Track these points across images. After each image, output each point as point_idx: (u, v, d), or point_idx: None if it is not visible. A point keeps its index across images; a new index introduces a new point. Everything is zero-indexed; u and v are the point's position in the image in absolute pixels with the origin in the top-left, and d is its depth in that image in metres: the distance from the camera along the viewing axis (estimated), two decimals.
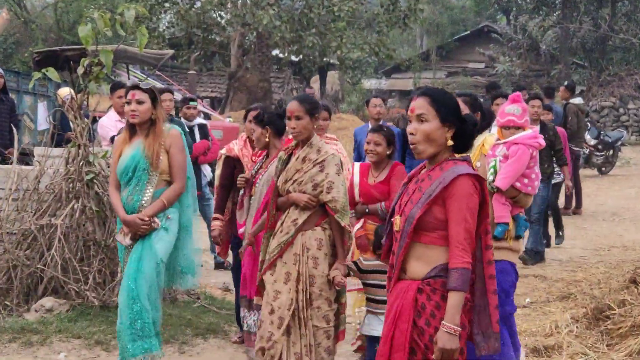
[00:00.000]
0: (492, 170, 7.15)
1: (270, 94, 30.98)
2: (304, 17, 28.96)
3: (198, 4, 29.68)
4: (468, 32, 51.88)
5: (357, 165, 8.51)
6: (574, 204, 19.26)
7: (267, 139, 8.22)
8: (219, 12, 30.29)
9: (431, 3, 50.45)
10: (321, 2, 29.19)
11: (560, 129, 14.66)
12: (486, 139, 7.22)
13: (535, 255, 13.79)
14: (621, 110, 43.42)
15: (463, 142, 5.08)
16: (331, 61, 33.38)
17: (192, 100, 14.03)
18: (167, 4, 29.94)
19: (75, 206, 9.65)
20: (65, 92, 14.35)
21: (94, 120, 12.32)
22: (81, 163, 9.72)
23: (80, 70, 9.80)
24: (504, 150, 7.21)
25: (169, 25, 32.28)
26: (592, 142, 25.99)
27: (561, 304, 10.65)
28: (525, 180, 7.22)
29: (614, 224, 18.12)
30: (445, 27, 55.10)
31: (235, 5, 29.04)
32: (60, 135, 12.01)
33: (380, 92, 34.09)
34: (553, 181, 14.45)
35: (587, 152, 24.19)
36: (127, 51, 17.14)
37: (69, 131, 11.12)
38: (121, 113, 11.83)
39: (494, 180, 7.10)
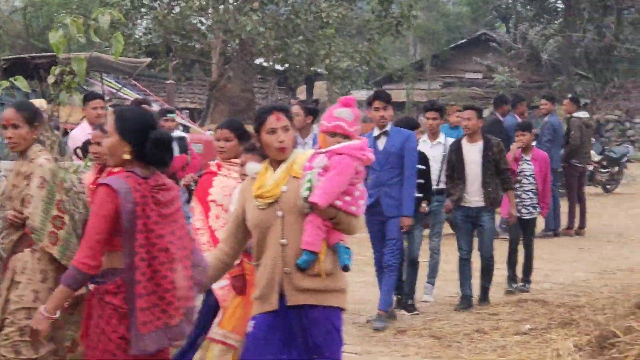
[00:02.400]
0: (307, 185, 6.07)
1: (254, 105, 30.93)
2: (290, 23, 28.97)
3: (177, 10, 29.66)
4: (465, 40, 52.00)
5: None
6: (577, 224, 19.30)
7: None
8: (200, 18, 30.35)
9: (426, 9, 50.60)
10: (308, 8, 29.20)
11: (542, 152, 14.18)
12: (296, 159, 6.23)
13: (487, 293, 12.61)
14: (627, 124, 43.63)
15: (146, 157, 5.72)
16: (319, 70, 33.46)
17: (170, 112, 14.09)
18: (144, 9, 29.92)
19: None
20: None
21: (65, 133, 12.29)
22: None
23: (50, 79, 9.74)
24: (324, 161, 6.14)
25: (146, 31, 32.21)
26: (597, 158, 26.09)
27: (563, 330, 10.60)
28: (347, 198, 6.17)
29: (620, 245, 18.18)
30: (440, 34, 55.27)
31: (217, 11, 29.01)
32: None
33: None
34: (525, 217, 13.50)
35: (591, 168, 24.25)
36: (101, 59, 17.19)
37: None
38: (94, 124, 11.84)
39: (308, 197, 6.05)
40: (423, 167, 11.77)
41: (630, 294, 11.99)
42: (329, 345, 6.07)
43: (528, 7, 47.94)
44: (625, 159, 28.66)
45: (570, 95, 21.43)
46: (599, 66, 45.47)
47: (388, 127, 11.26)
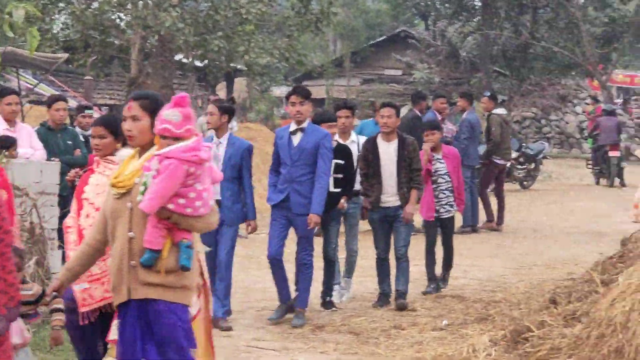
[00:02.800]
0: (142, 188, 6.13)
1: (171, 100, 30.78)
2: (209, 19, 28.81)
3: (95, 5, 29.32)
4: (384, 37, 52.24)
5: None
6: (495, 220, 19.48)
7: None
8: (118, 13, 30.02)
9: (345, 6, 50.72)
10: (228, 4, 29.07)
11: (452, 148, 14.01)
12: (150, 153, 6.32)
13: (404, 297, 12.08)
14: (543, 121, 44.11)
15: None
16: (238, 67, 33.28)
17: (88, 108, 13.98)
18: (61, 4, 29.50)
19: None
20: None
21: None
22: None
23: None
24: (156, 165, 6.15)
25: (63, 26, 31.82)
26: (514, 154, 26.32)
27: (479, 326, 10.69)
28: (181, 201, 6.15)
29: (536, 241, 18.37)
30: (360, 31, 55.46)
31: (136, 7, 28.76)
32: None
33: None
34: (444, 215, 13.20)
35: (509, 165, 24.50)
36: (16, 54, 16.96)
37: None
38: (10, 120, 11.74)
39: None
40: (342, 161, 11.60)
41: (544, 289, 12.10)
42: (175, 338, 6.10)
43: (446, 4, 48.19)
44: (542, 155, 29.00)
45: (488, 93, 21.53)
46: (516, 64, 45.92)
47: (305, 124, 11.01)
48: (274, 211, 11.19)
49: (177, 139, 6.18)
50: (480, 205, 19.38)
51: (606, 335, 8.16)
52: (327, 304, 11.89)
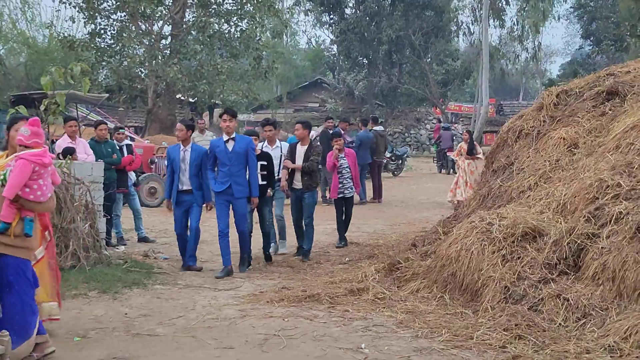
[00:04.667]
0: (2, 178, 5.89)
1: (175, 124, 30.48)
2: (198, 72, 28.67)
3: (125, 63, 29.00)
4: (307, 82, 52.12)
5: None
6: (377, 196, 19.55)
7: None
8: (140, 68, 29.69)
9: (283, 63, 50.52)
10: (209, 62, 28.94)
11: (350, 150, 13.21)
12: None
13: (308, 254, 11.47)
14: (406, 134, 44.51)
15: None
16: (216, 102, 33.08)
17: (121, 128, 13.80)
18: (104, 63, 29.15)
19: None
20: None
21: (53, 142, 11.96)
22: None
23: (42, 107, 9.50)
24: (13, 163, 5.93)
25: (105, 77, 31.48)
26: (388, 155, 26.51)
27: (368, 261, 10.75)
28: (27, 190, 5.89)
29: (402, 208, 18.41)
30: (292, 79, 55.19)
31: (151, 64, 28.52)
32: None
33: (254, 123, 34.01)
34: (347, 195, 12.60)
35: (385, 162, 24.61)
36: (75, 95, 16.59)
37: None
38: (71, 137, 11.56)
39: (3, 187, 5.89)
40: (265, 163, 10.86)
41: (408, 238, 12.16)
42: (19, 281, 5.88)
43: (346, 62, 48.23)
44: (406, 155, 29.26)
45: (371, 116, 21.51)
46: (389, 98, 46.16)
47: (234, 135, 10.19)
48: (218, 197, 10.22)
49: (28, 147, 6.00)
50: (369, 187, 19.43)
51: (446, 265, 8.27)
52: (266, 257, 11.14)
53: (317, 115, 46.91)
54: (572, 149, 9.77)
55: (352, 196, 12.93)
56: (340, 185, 12.68)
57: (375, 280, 9.02)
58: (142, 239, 12.75)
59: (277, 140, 12.13)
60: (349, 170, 12.74)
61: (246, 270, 10.35)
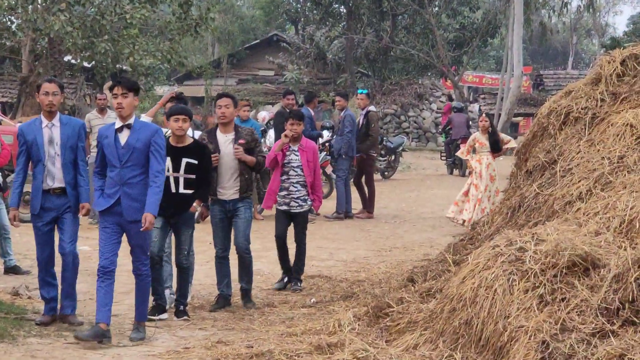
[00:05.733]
0: None
1: (63, 99, 30.32)
2: (96, 23, 28.52)
3: None
4: (258, 41, 52.20)
5: None
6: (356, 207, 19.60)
7: None
8: (9, 17, 29.50)
9: (222, 12, 50.48)
10: (113, 9, 28.80)
11: (310, 142, 12.47)
12: None
13: (248, 296, 11.05)
14: (402, 117, 44.56)
15: None
16: (124, 67, 32.96)
17: None
18: None
19: None
20: None
21: None
22: None
23: None
24: None
25: None
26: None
27: (344, 303, 10.77)
28: None
29: (395, 226, 18.50)
30: (236, 35, 55.22)
31: (26, 11, 28.27)
32: None
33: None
34: (294, 210, 11.95)
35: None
36: None
37: None
38: None
39: None
40: (195, 161, 10.24)
41: (403, 269, 12.23)
42: None
43: (314, 11, 48.33)
44: (401, 148, 29.27)
45: (366, 91, 21.45)
46: (378, 65, 46.39)
47: (131, 120, 9.28)
48: (103, 218, 9.35)
49: None
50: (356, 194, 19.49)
51: (457, 309, 8.26)
52: (179, 313, 10.43)
53: (271, 88, 46.97)
54: None
55: (305, 213, 12.22)
56: (284, 192, 12.01)
57: (354, 331, 8.98)
58: (11, 270, 12.62)
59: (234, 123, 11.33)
60: (300, 172, 11.98)
61: (140, 337, 9.46)
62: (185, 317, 10.35)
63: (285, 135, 11.91)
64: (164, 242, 10.36)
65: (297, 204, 12.00)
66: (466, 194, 16.88)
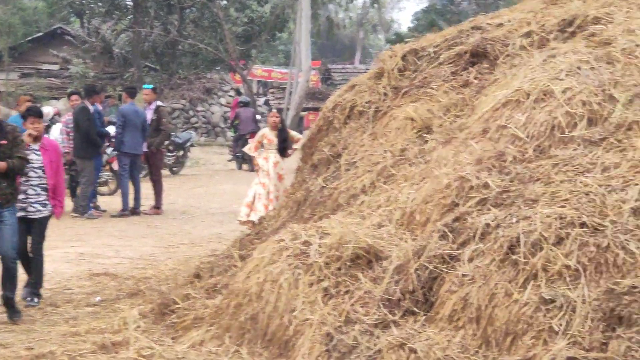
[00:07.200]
0: None
1: None
2: None
3: None
4: (41, 33, 50.85)
5: None
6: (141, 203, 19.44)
7: None
8: None
9: (2, 3, 49.02)
10: None
11: (53, 141, 11.76)
12: None
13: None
14: (191, 112, 44.46)
15: None
16: None
17: None
18: None
19: None
20: None
21: None
22: None
23: None
24: None
25: None
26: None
27: (130, 300, 10.76)
28: None
29: (183, 221, 18.48)
30: (17, 28, 53.59)
31: None
32: None
33: None
34: (32, 215, 10.84)
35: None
36: None
37: None
38: None
39: None
40: None
41: (190, 265, 12.23)
42: None
43: (100, 3, 47.46)
44: (189, 143, 29.27)
45: (152, 85, 21.20)
46: (166, 59, 46.06)
47: None
48: None
49: None
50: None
51: (243, 305, 8.31)
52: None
53: (56, 82, 45.99)
54: (424, 134, 10.09)
55: (44, 219, 11.14)
56: (22, 196, 10.80)
57: (139, 329, 8.94)
58: None
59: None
60: (41, 173, 10.97)
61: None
62: None
63: (29, 135, 10.79)
64: None
65: (35, 209, 10.91)
66: (256, 195, 15.94)
